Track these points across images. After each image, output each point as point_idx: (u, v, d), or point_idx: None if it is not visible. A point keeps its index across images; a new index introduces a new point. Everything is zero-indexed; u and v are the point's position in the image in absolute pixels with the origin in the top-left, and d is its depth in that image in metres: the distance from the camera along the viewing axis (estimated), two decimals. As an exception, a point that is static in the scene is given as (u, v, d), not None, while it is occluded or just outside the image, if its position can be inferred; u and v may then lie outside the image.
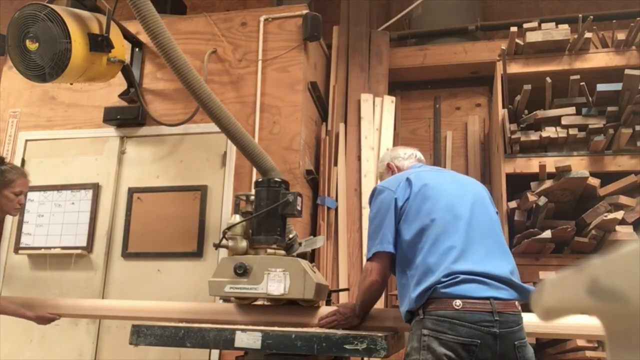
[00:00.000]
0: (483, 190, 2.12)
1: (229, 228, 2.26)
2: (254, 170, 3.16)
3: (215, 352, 3.11)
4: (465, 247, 1.84)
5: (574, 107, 3.27)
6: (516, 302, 1.82)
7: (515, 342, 1.74)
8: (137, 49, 3.64)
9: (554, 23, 3.40)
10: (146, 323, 2.02)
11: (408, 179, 2.01)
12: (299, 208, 2.32)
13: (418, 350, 1.74)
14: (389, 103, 3.84)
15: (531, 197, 3.11)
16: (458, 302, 1.72)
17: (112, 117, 3.56)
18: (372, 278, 1.94)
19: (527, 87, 3.25)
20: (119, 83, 3.50)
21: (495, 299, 1.75)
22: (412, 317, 1.84)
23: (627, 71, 3.08)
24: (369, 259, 1.98)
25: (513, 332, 1.75)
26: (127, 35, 3.44)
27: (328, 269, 3.39)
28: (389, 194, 1.99)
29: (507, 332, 1.73)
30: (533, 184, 3.19)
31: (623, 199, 3.07)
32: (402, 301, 1.91)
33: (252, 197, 2.36)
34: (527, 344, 1.79)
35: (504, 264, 1.86)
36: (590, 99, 3.25)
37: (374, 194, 2.10)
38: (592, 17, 3.30)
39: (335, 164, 3.64)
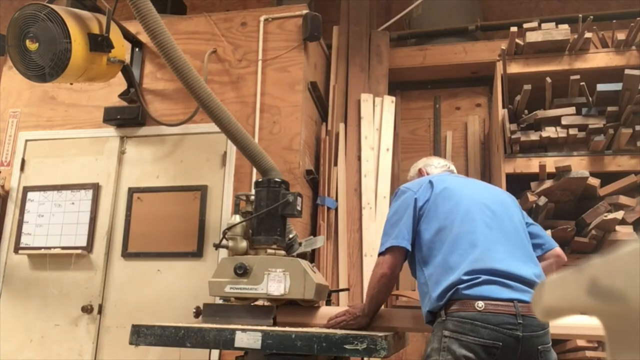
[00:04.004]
0: (509, 198, 2.13)
1: (229, 228, 2.26)
2: (254, 170, 3.16)
3: (215, 352, 3.11)
4: (486, 247, 1.82)
5: (574, 107, 3.27)
6: None
7: (539, 347, 1.72)
8: (137, 49, 3.64)
9: (554, 23, 3.40)
10: (147, 323, 2.01)
11: (430, 181, 2.03)
12: (299, 208, 2.32)
13: (438, 351, 1.73)
14: (389, 103, 3.84)
15: (531, 197, 3.11)
16: (480, 304, 1.70)
17: (112, 117, 3.56)
18: (382, 270, 1.94)
19: (527, 87, 3.25)
20: (119, 83, 3.50)
21: (520, 301, 1.72)
22: (434, 317, 1.83)
23: (627, 71, 3.08)
24: (381, 253, 1.97)
25: (537, 337, 1.72)
26: (127, 35, 3.44)
27: (328, 269, 3.39)
28: (410, 194, 2.01)
29: (530, 336, 1.70)
30: (533, 184, 3.19)
31: (623, 199, 3.06)
32: (422, 301, 1.90)
33: (252, 197, 2.36)
34: (550, 349, 1.78)
35: (528, 267, 1.83)
36: (590, 99, 3.25)
37: (396, 194, 2.11)
38: (592, 17, 3.30)
39: (335, 164, 3.64)
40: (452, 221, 1.89)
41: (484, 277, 1.74)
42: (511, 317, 1.69)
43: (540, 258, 2.01)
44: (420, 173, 2.33)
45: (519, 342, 1.68)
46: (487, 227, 1.88)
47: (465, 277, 1.75)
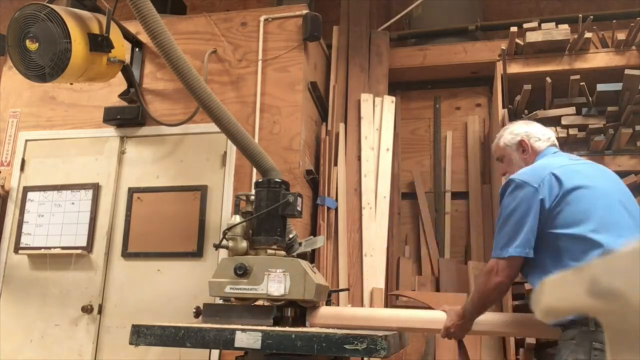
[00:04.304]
0: (626, 187, 1.96)
1: (229, 228, 2.26)
2: (254, 170, 3.16)
3: (215, 352, 3.11)
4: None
5: (574, 107, 3.27)
6: None
7: None
8: (137, 49, 3.64)
9: (554, 23, 3.40)
10: (147, 323, 2.02)
11: (554, 175, 1.80)
12: (299, 209, 2.32)
13: None
14: (389, 103, 3.84)
15: (531, 197, 3.10)
16: None
17: (112, 117, 3.56)
18: (499, 279, 1.77)
19: (527, 87, 3.25)
20: (119, 83, 3.50)
21: None
22: (570, 325, 1.68)
23: (627, 71, 3.08)
24: (498, 257, 1.79)
25: None
26: (127, 35, 3.44)
27: (328, 269, 3.39)
28: (532, 191, 1.79)
29: None
30: (533, 184, 3.18)
31: (623, 199, 3.06)
32: None
33: (252, 197, 2.36)
34: None
35: None
36: (590, 99, 3.25)
37: (509, 186, 1.86)
38: (592, 17, 3.30)
39: (335, 164, 3.64)
40: (592, 224, 1.71)
41: None
42: None
43: None
44: (522, 146, 2.07)
45: None
46: (629, 230, 1.72)
47: None
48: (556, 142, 2.11)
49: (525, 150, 2.06)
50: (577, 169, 1.88)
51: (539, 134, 2.07)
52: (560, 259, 1.74)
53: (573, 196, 1.76)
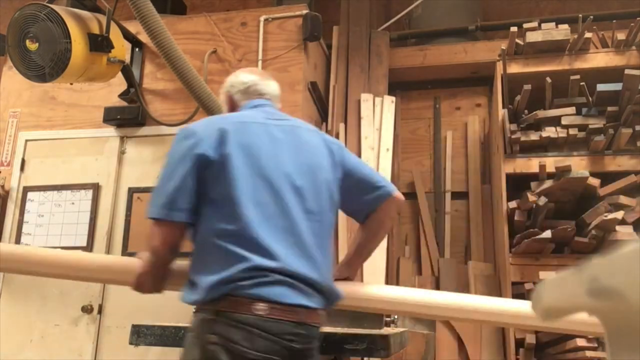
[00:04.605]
0: (326, 159, 1.63)
1: (228, 228, 2.26)
2: (254, 170, 3.16)
3: (215, 352, 3.11)
4: (280, 240, 1.47)
5: (574, 107, 3.27)
6: (319, 311, 1.51)
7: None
8: (137, 49, 3.64)
9: (554, 23, 3.40)
10: (147, 323, 2.02)
11: (223, 130, 1.52)
12: (299, 208, 2.31)
13: None
14: (389, 103, 3.84)
15: (531, 197, 3.11)
16: (263, 306, 1.38)
17: (112, 117, 3.57)
18: (154, 243, 1.59)
19: (527, 87, 3.25)
20: (119, 83, 3.50)
21: (305, 307, 1.44)
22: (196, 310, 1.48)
23: (627, 71, 3.08)
24: (154, 219, 1.58)
25: (310, 349, 1.48)
26: (127, 35, 3.44)
27: (328, 269, 3.39)
28: (193, 144, 1.51)
29: (304, 348, 1.44)
30: (533, 184, 3.19)
31: (623, 199, 3.06)
32: (190, 283, 1.52)
33: (252, 197, 2.36)
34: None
35: (319, 262, 1.52)
36: (590, 99, 3.25)
37: (180, 132, 1.62)
38: (592, 17, 3.30)
39: (335, 164, 3.64)
40: (249, 199, 1.46)
41: (274, 277, 1.42)
42: (293, 325, 1.41)
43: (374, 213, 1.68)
44: (226, 100, 1.77)
45: (292, 356, 1.42)
46: (286, 212, 1.50)
47: (249, 275, 1.40)
48: (269, 92, 1.77)
49: (231, 107, 1.76)
50: (254, 130, 1.56)
51: (238, 84, 1.74)
52: (205, 225, 1.50)
53: (233, 160, 1.48)
